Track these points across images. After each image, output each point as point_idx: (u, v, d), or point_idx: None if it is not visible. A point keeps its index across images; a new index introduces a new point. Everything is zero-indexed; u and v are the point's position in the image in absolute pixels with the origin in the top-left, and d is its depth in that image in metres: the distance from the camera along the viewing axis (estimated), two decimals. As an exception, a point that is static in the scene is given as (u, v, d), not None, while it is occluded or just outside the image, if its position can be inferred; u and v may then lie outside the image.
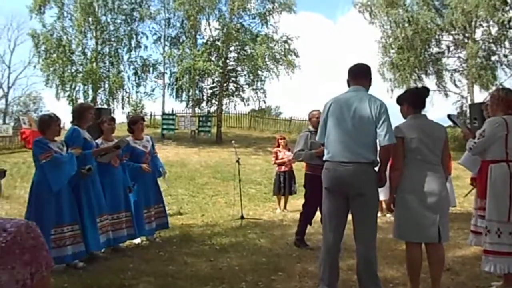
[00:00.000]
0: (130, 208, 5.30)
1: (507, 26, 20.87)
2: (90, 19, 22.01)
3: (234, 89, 23.38)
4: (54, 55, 21.58)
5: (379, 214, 7.02)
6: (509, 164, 3.39)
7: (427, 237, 3.19)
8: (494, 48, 22.24)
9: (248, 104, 23.56)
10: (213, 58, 22.14)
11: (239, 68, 23.07)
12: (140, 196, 5.50)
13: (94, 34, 22.54)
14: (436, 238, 3.16)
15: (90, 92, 22.30)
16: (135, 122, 5.69)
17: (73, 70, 22.15)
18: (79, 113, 4.74)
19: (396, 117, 3.51)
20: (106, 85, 22.59)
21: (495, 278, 3.63)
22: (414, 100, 3.39)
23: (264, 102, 23.77)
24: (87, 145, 4.68)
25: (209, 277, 4.01)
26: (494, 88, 20.19)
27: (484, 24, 21.53)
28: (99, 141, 5.09)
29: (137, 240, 5.54)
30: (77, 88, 22.21)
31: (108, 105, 22.12)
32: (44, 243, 1.08)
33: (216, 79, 22.81)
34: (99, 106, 20.33)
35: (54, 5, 21.99)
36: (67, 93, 22.01)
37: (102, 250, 4.93)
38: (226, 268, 4.32)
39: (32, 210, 4.23)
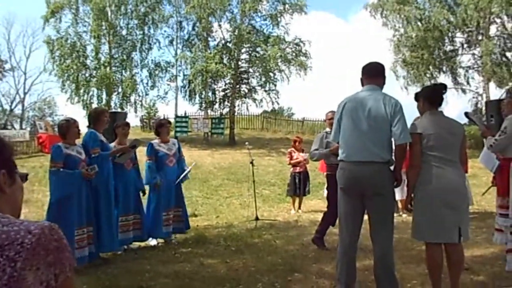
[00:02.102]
0: (140, 210, 5.41)
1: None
2: (103, 24, 22.29)
3: (246, 90, 23.38)
4: (69, 61, 21.89)
5: (394, 214, 6.99)
6: (530, 161, 3.33)
7: (448, 237, 3.11)
8: (510, 44, 21.85)
9: (261, 106, 23.59)
10: (225, 60, 22.20)
11: (251, 70, 23.08)
12: (160, 198, 5.55)
13: (107, 39, 22.82)
14: (457, 238, 3.09)
15: (104, 96, 22.57)
16: (161, 125, 5.80)
17: (87, 75, 22.45)
18: (94, 117, 4.87)
19: (411, 115, 3.48)
20: (120, 89, 22.83)
21: (516, 277, 3.56)
22: (430, 96, 3.34)
23: (278, 103, 23.79)
24: (104, 147, 4.84)
25: (225, 278, 4.03)
26: (511, 85, 19.87)
27: (498, 20, 21.19)
28: (112, 144, 5.17)
29: (153, 242, 5.61)
30: (91, 92, 22.51)
31: (122, 108, 22.33)
32: (67, 244, 1.10)
33: (228, 81, 22.85)
34: (114, 110, 20.58)
35: (68, 11, 22.35)
36: (81, 98, 22.30)
37: (119, 252, 5.03)
38: (242, 269, 4.32)
39: (54, 213, 4.30)
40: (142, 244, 5.54)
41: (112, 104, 22.60)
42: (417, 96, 3.43)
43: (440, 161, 3.15)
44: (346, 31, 60.75)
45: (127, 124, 5.60)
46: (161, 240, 5.69)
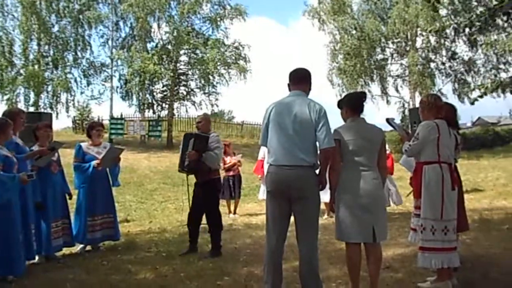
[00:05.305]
0: (68, 215, 5.20)
1: (444, 35, 22.18)
2: (33, 19, 20.97)
3: (185, 93, 23.08)
4: (-8, 56, 20.41)
5: (325, 216, 7.23)
6: (441, 165, 3.59)
7: (362, 237, 3.30)
8: (433, 56, 23.56)
9: (201, 108, 23.36)
10: (163, 62, 21.77)
11: (190, 72, 22.83)
12: (85, 203, 5.33)
13: (36, 36, 21.50)
14: (371, 238, 3.28)
15: (32, 95, 21.23)
16: (92, 128, 5.68)
17: (13, 73, 21.00)
18: (9, 118, 4.52)
19: (340, 121, 3.62)
20: (50, 88, 21.59)
21: (430, 273, 3.81)
22: (351, 104, 3.52)
23: (217, 106, 23.71)
24: (19, 151, 4.50)
25: (153, 285, 3.94)
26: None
27: (424, 34, 22.75)
28: (34, 148, 4.86)
29: (78, 249, 5.35)
30: (17, 91, 21.07)
31: (52, 108, 21.17)
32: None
33: (166, 83, 22.43)
34: (42, 110, 19.45)
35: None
36: (6, 97, 20.83)
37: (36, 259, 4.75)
38: (171, 275, 4.24)
39: None
40: (67, 251, 5.27)
41: (41, 103, 21.34)
42: (340, 104, 3.59)
43: (358, 166, 3.33)
44: (287, 37, 62.24)
45: (49, 126, 5.31)
46: (89, 247, 5.45)
